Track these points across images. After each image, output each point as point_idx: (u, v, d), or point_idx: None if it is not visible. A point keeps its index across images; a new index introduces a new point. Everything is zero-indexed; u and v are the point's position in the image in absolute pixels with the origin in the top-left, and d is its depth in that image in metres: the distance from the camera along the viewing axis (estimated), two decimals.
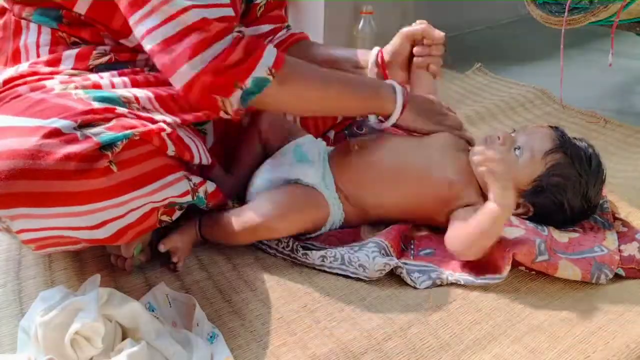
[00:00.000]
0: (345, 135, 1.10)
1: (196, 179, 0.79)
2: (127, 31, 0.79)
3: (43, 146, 0.61)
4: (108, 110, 0.68)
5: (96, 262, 0.84)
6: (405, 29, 1.00)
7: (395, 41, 1.01)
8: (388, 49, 1.03)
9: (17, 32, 0.81)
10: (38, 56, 0.80)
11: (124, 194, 0.66)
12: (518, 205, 0.87)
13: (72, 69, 0.79)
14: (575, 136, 0.90)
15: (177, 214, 0.80)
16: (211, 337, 0.69)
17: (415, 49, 1.00)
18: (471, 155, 0.89)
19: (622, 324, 0.73)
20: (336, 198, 0.89)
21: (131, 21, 0.74)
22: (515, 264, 0.81)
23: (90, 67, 0.80)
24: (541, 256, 0.79)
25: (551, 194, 0.84)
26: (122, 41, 0.83)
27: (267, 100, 0.78)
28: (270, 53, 0.77)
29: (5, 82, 0.75)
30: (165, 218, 0.77)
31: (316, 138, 0.98)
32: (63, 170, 0.61)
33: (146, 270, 0.83)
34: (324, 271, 0.82)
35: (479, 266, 0.82)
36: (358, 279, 0.81)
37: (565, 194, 0.84)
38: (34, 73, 0.76)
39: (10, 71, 0.77)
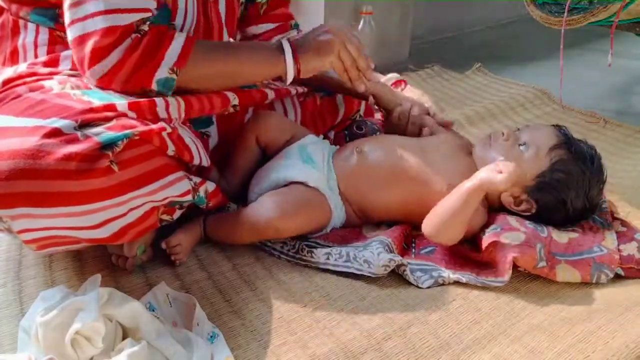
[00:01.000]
0: (345, 135, 1.10)
1: (196, 179, 0.79)
2: None
3: (43, 146, 0.61)
4: (108, 108, 0.68)
5: (97, 262, 0.84)
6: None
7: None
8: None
9: (15, 31, 0.81)
10: (36, 56, 0.80)
11: (124, 193, 0.66)
12: (521, 202, 0.87)
13: (71, 69, 0.79)
14: (576, 137, 0.91)
15: (178, 213, 0.80)
16: (211, 336, 0.69)
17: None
18: (478, 152, 0.90)
19: (621, 324, 0.73)
20: (339, 201, 0.90)
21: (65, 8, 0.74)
22: (516, 266, 0.81)
23: None
24: (542, 262, 0.79)
25: (555, 190, 0.84)
26: None
27: (180, 86, 0.78)
28: (174, 50, 0.75)
29: (4, 82, 0.75)
30: (165, 217, 0.77)
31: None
32: (64, 170, 0.61)
33: (147, 270, 0.83)
34: (328, 270, 0.82)
35: (481, 267, 0.82)
36: (358, 278, 0.81)
37: (569, 190, 0.84)
38: (33, 74, 0.76)
39: (9, 72, 0.77)
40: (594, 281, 0.80)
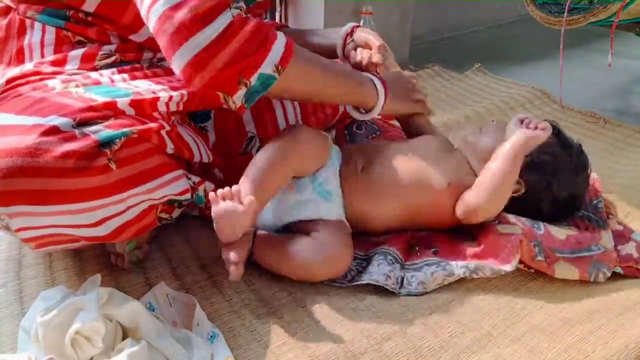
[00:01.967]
0: (345, 135, 1.10)
1: (195, 178, 0.79)
2: (137, 25, 0.79)
3: (41, 144, 0.61)
4: (108, 106, 0.68)
5: (96, 261, 0.84)
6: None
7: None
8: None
9: (22, 31, 0.81)
10: (42, 56, 0.80)
11: (122, 191, 0.66)
12: None
13: (78, 69, 0.79)
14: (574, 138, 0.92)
15: (177, 212, 0.80)
16: (211, 336, 0.69)
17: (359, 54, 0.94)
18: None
19: (621, 324, 0.73)
20: (342, 209, 0.87)
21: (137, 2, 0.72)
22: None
23: (97, 67, 0.80)
24: (540, 256, 0.79)
25: (542, 172, 0.85)
26: (131, 37, 0.82)
27: (269, 93, 0.76)
28: (279, 44, 0.72)
29: (9, 81, 0.75)
30: (164, 215, 0.77)
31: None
32: (61, 168, 0.61)
33: (147, 270, 0.83)
34: (331, 285, 0.81)
35: (487, 260, 0.81)
36: None
37: (556, 174, 0.85)
38: (37, 73, 0.76)
39: (15, 71, 0.77)
40: (591, 280, 0.80)
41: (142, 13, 0.71)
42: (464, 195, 0.85)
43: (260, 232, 0.83)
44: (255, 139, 1.00)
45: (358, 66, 0.93)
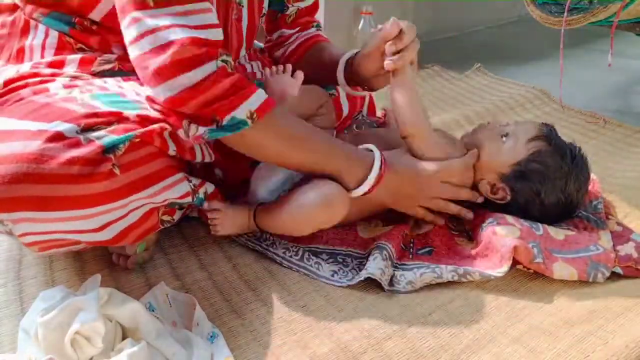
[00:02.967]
0: (345, 135, 1.10)
1: (196, 181, 0.79)
2: None
3: (46, 150, 0.61)
4: (113, 114, 0.68)
5: (97, 261, 0.84)
6: (379, 32, 0.91)
7: (364, 55, 0.93)
8: (357, 59, 0.95)
9: (25, 31, 0.81)
10: (42, 58, 0.80)
11: (126, 196, 0.66)
12: (497, 190, 0.88)
13: (76, 72, 0.79)
14: (565, 140, 0.91)
15: (178, 214, 0.80)
16: (211, 336, 0.69)
17: (390, 47, 0.86)
18: None
19: (621, 324, 0.73)
20: None
21: (122, 27, 0.71)
22: (514, 262, 0.81)
23: (94, 72, 0.80)
24: (538, 258, 0.79)
25: (530, 181, 0.85)
26: None
27: (232, 142, 0.76)
28: (257, 97, 0.72)
29: (6, 83, 0.75)
30: (166, 218, 0.77)
31: None
32: (66, 174, 0.61)
33: (147, 270, 0.83)
34: (332, 285, 0.81)
35: (480, 263, 0.82)
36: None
37: (544, 182, 0.85)
38: (35, 74, 0.75)
39: (11, 71, 0.77)
40: (590, 280, 0.80)
41: (125, 40, 0.71)
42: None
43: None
44: None
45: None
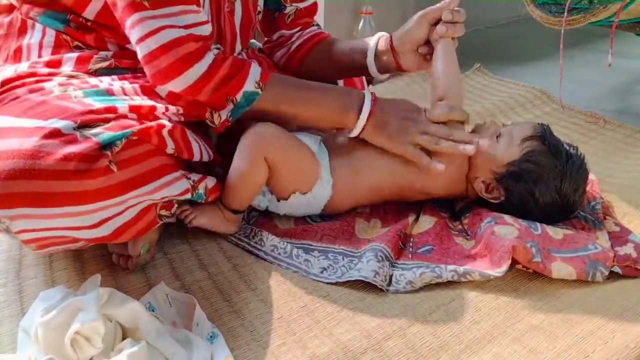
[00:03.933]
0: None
1: (195, 176, 0.79)
2: None
3: (43, 146, 0.61)
4: (108, 110, 0.68)
5: (97, 261, 0.84)
6: (424, 12, 0.99)
7: (412, 25, 0.99)
8: (400, 33, 1.00)
9: (22, 30, 0.81)
10: (39, 57, 0.80)
11: (124, 193, 0.66)
12: (492, 189, 0.88)
13: (72, 71, 0.79)
14: (563, 140, 0.91)
15: (175, 207, 0.80)
16: (211, 336, 0.69)
17: (440, 25, 0.95)
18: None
19: (621, 324, 0.73)
20: (328, 172, 0.89)
21: (125, 30, 0.77)
22: (513, 262, 0.81)
23: (90, 70, 0.80)
24: (537, 257, 0.80)
25: (524, 180, 0.85)
26: (128, 45, 0.83)
27: (249, 115, 0.84)
28: (255, 69, 0.82)
29: (4, 82, 0.75)
30: (164, 213, 0.77)
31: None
32: (63, 171, 0.61)
33: (147, 270, 0.83)
34: (320, 282, 0.81)
35: (478, 262, 0.82)
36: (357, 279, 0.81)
37: (538, 182, 0.85)
38: (32, 74, 0.76)
39: (9, 71, 0.77)
40: (589, 279, 0.80)
41: (131, 40, 0.77)
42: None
43: None
44: None
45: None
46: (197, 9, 0.78)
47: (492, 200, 0.89)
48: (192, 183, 0.78)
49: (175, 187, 0.74)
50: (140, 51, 0.76)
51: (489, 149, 0.88)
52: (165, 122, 0.73)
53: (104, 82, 0.78)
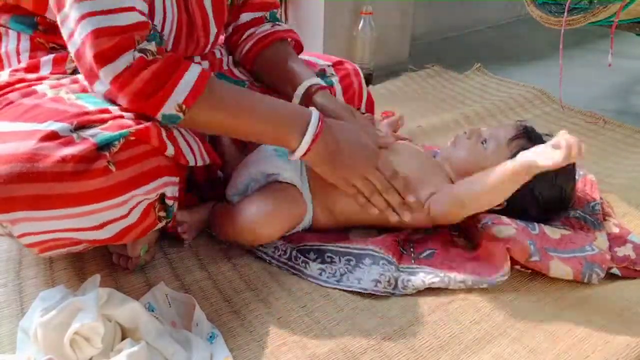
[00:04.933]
0: None
1: (175, 193, 0.78)
2: None
3: (40, 149, 0.61)
4: (103, 111, 0.68)
5: (97, 262, 0.84)
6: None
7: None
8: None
9: None
10: (19, 62, 0.80)
11: (123, 193, 0.66)
12: None
13: (51, 73, 0.79)
14: (543, 132, 0.92)
15: (171, 207, 0.79)
16: (211, 337, 0.69)
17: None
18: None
19: (621, 324, 0.73)
20: (309, 195, 0.89)
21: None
22: (512, 262, 0.81)
23: (68, 71, 0.80)
24: (534, 256, 0.79)
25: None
26: None
27: (187, 127, 0.78)
28: (185, 84, 0.71)
29: None
30: (162, 214, 0.77)
31: None
32: (61, 172, 0.61)
33: (147, 270, 0.83)
34: (320, 285, 0.80)
35: (481, 266, 0.82)
36: None
37: (533, 180, 0.83)
38: (22, 80, 0.75)
39: None
40: (585, 280, 0.80)
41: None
42: (452, 189, 0.85)
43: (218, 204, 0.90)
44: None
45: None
46: None
47: (495, 208, 0.86)
48: (174, 194, 0.77)
49: (174, 188, 0.74)
50: (70, 50, 0.71)
51: (480, 158, 0.87)
52: (160, 126, 0.72)
53: None
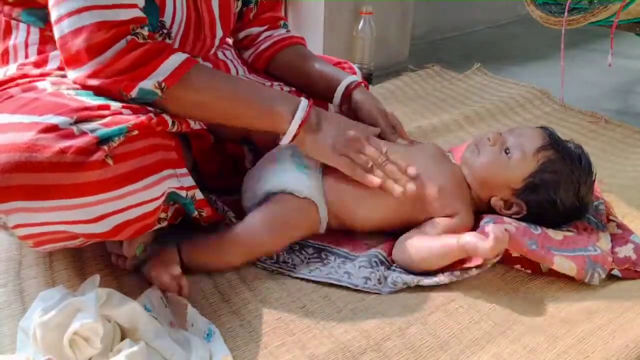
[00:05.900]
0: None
1: (187, 182, 0.78)
2: None
3: (39, 140, 0.61)
4: (102, 107, 0.69)
5: (97, 261, 0.84)
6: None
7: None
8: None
9: (7, 32, 0.81)
10: (26, 56, 0.80)
11: (120, 187, 0.66)
12: (511, 205, 0.87)
13: (58, 68, 0.79)
14: (563, 139, 0.90)
15: (172, 209, 0.79)
16: (208, 334, 0.69)
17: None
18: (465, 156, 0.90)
19: (621, 324, 0.73)
20: (325, 212, 0.86)
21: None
22: (512, 262, 0.81)
23: None
24: (533, 246, 0.79)
25: (545, 191, 0.84)
26: None
27: (159, 106, 0.76)
28: (170, 64, 0.73)
29: None
30: (162, 215, 0.77)
31: None
32: (59, 163, 0.61)
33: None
34: (310, 280, 0.81)
35: (474, 260, 0.81)
36: None
37: (559, 190, 0.84)
38: (24, 76, 0.76)
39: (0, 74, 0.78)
40: (587, 279, 0.80)
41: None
42: (399, 247, 0.84)
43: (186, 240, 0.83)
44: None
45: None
46: None
47: (513, 216, 0.86)
48: (183, 185, 0.77)
49: (172, 182, 0.75)
50: (55, 34, 0.72)
51: (503, 167, 0.85)
52: (152, 115, 0.72)
53: None
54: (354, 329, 0.72)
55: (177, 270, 0.76)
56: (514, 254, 0.83)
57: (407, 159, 0.86)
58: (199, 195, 0.81)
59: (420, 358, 0.68)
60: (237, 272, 0.83)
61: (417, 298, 0.78)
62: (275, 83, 1.03)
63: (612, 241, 0.86)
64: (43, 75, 0.76)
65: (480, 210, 0.89)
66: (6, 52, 0.81)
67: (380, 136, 0.92)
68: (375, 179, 0.81)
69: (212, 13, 0.89)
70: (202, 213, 0.82)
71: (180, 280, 0.76)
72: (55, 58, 0.80)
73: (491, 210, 0.88)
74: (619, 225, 0.91)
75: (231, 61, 1.06)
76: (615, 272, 0.83)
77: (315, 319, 0.74)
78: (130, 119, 0.68)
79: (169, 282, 0.75)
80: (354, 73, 1.10)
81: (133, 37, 0.71)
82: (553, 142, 0.86)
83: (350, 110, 0.98)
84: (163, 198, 0.74)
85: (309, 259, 0.85)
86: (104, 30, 0.69)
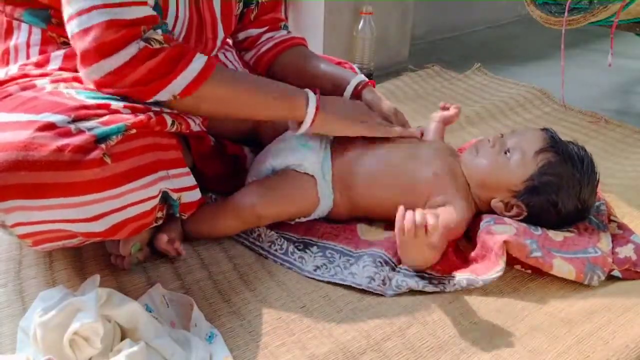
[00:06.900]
0: None
1: (179, 184, 0.78)
2: None
3: (36, 139, 0.61)
4: (101, 106, 0.68)
5: (97, 261, 0.84)
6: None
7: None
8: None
9: (9, 32, 0.81)
10: (28, 56, 0.80)
11: (118, 186, 0.66)
12: (512, 207, 0.86)
13: (60, 68, 0.79)
14: (566, 139, 0.90)
15: (167, 208, 0.79)
16: (209, 337, 0.69)
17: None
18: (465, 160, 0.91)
19: (621, 324, 0.73)
20: (329, 187, 0.89)
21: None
22: (512, 262, 0.81)
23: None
24: (535, 252, 0.79)
25: (545, 193, 0.84)
26: None
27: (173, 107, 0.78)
28: (183, 78, 0.74)
29: None
30: (159, 215, 0.77)
31: None
32: (56, 161, 0.61)
33: (147, 270, 0.83)
34: (315, 279, 0.81)
35: (479, 266, 0.82)
36: None
37: (559, 192, 0.83)
38: (25, 75, 0.76)
39: (0, 74, 0.77)
40: (586, 281, 0.80)
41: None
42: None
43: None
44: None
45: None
46: None
47: (514, 218, 0.86)
48: (175, 187, 0.77)
49: (171, 181, 0.75)
50: (68, 31, 0.72)
51: (503, 169, 0.86)
52: (151, 114, 0.72)
53: None
54: (354, 329, 0.72)
55: (172, 234, 0.82)
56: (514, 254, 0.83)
57: (411, 148, 0.91)
58: (185, 198, 0.80)
59: (420, 358, 0.68)
60: (237, 272, 0.83)
61: (417, 298, 0.78)
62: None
63: (612, 241, 0.86)
64: (43, 76, 0.76)
65: (481, 212, 0.90)
66: (7, 52, 0.81)
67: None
68: (397, 128, 0.93)
69: (214, 15, 0.89)
70: (183, 216, 0.82)
71: (174, 243, 0.82)
72: (56, 58, 0.80)
73: (492, 211, 0.88)
74: (620, 226, 0.91)
75: (232, 63, 1.06)
76: (616, 272, 0.83)
77: (316, 319, 0.74)
78: (128, 117, 0.68)
79: (165, 246, 0.81)
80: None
81: (146, 44, 0.70)
82: (554, 144, 0.86)
83: None
84: (159, 197, 0.74)
85: (314, 257, 0.85)
86: (113, 29, 0.69)
